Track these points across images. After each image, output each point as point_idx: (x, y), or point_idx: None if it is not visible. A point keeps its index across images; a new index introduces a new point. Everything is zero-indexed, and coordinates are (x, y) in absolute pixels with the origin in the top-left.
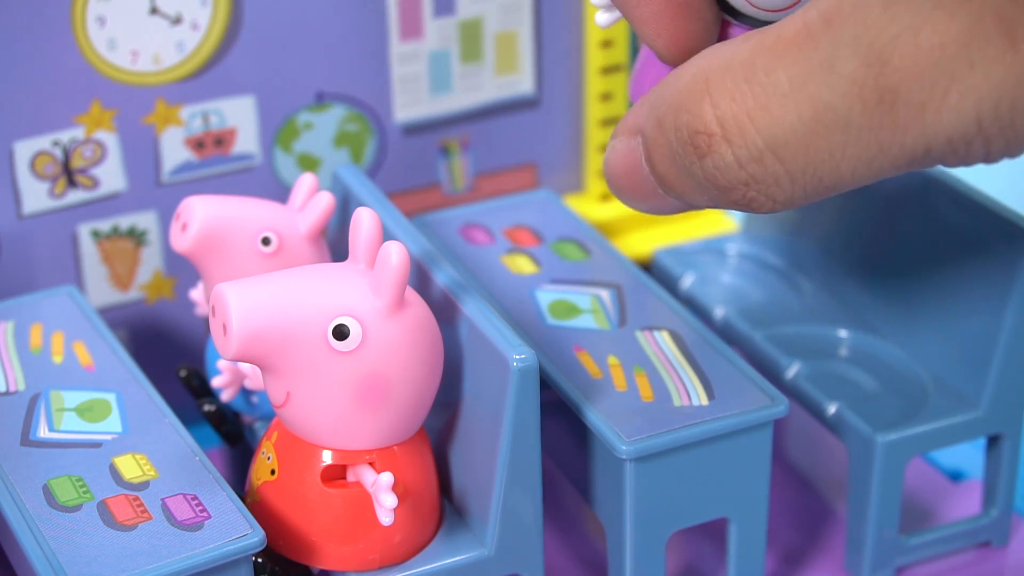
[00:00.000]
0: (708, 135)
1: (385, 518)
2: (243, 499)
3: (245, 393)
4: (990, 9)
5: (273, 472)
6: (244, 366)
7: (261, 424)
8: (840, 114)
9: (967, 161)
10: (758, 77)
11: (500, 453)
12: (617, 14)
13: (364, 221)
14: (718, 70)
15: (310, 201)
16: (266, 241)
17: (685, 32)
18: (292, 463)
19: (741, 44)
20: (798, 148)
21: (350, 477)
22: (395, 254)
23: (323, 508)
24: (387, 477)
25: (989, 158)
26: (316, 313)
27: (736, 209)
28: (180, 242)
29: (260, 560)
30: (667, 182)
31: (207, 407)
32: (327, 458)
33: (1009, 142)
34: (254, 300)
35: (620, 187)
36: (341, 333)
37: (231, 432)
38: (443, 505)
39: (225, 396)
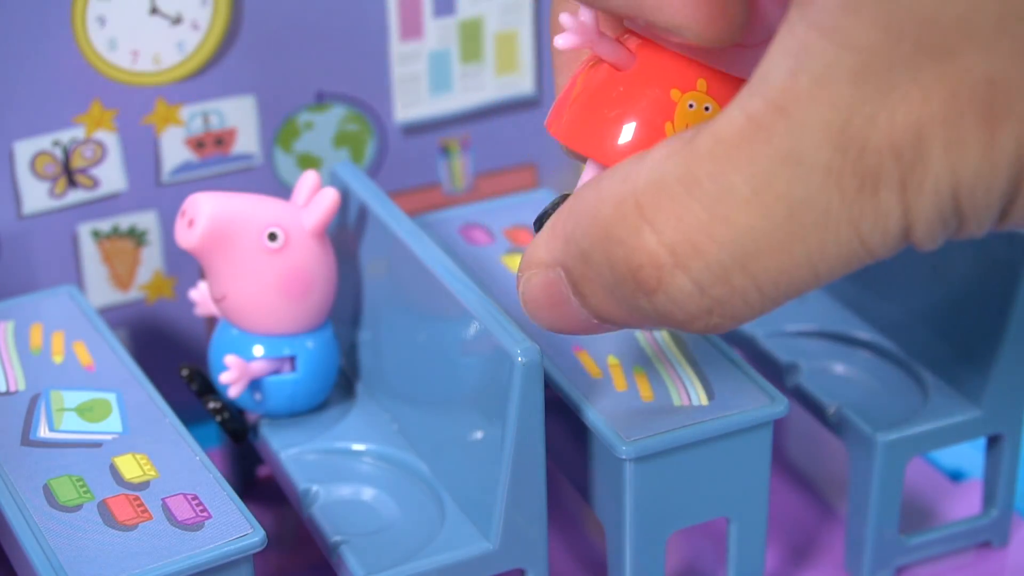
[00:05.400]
0: (656, 267)
1: None
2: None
3: (250, 390)
4: (965, 89)
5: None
6: (253, 365)
7: (266, 421)
8: (818, 209)
9: (936, 242)
10: (704, 187)
11: (505, 448)
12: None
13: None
14: (649, 191)
15: (315, 197)
16: (272, 236)
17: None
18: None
19: (664, 157)
20: (772, 255)
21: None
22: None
23: None
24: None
25: (959, 235)
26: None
27: (697, 332)
28: (187, 238)
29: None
30: (605, 314)
31: (212, 404)
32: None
33: (981, 223)
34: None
35: (546, 320)
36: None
37: (236, 430)
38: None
39: (232, 392)
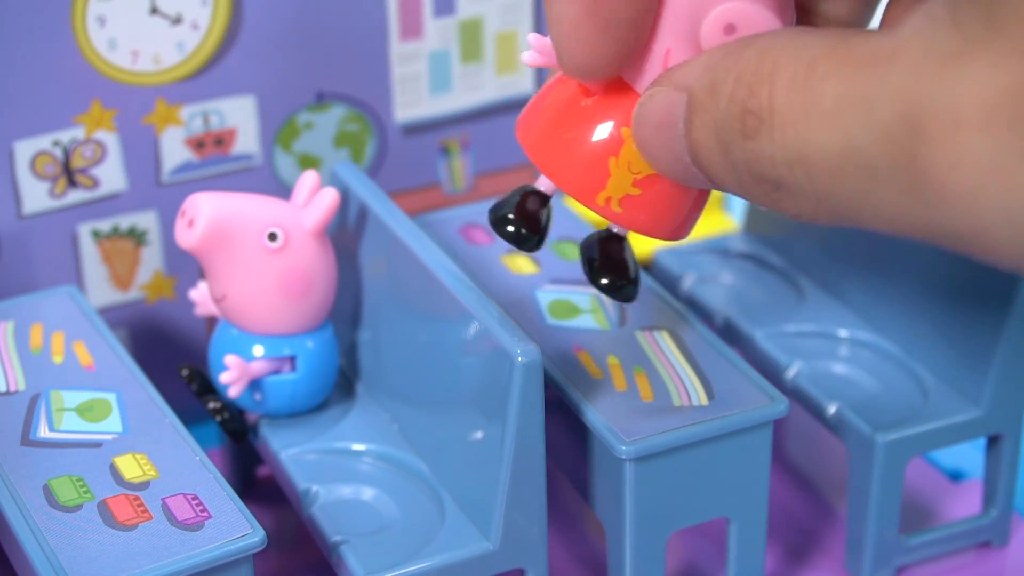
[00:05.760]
0: (759, 119)
1: None
2: (243, 492)
3: (250, 390)
4: None
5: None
6: (253, 365)
7: (266, 421)
8: (867, 160)
9: (1006, 262)
10: (813, 82)
11: (505, 448)
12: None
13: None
14: (787, 54)
15: (315, 197)
16: (272, 236)
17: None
18: None
19: (817, 37)
20: (823, 174)
21: None
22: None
23: None
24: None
25: None
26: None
27: (762, 204)
28: (187, 238)
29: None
30: (699, 152)
31: (212, 404)
32: None
33: None
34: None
35: (647, 139)
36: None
37: (236, 430)
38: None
39: (233, 392)
